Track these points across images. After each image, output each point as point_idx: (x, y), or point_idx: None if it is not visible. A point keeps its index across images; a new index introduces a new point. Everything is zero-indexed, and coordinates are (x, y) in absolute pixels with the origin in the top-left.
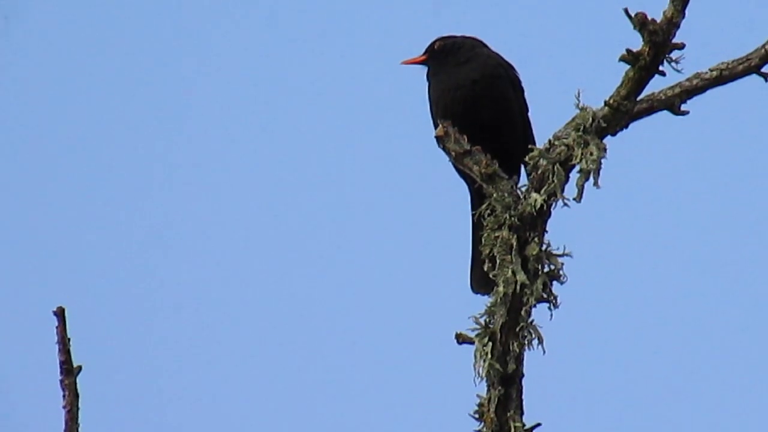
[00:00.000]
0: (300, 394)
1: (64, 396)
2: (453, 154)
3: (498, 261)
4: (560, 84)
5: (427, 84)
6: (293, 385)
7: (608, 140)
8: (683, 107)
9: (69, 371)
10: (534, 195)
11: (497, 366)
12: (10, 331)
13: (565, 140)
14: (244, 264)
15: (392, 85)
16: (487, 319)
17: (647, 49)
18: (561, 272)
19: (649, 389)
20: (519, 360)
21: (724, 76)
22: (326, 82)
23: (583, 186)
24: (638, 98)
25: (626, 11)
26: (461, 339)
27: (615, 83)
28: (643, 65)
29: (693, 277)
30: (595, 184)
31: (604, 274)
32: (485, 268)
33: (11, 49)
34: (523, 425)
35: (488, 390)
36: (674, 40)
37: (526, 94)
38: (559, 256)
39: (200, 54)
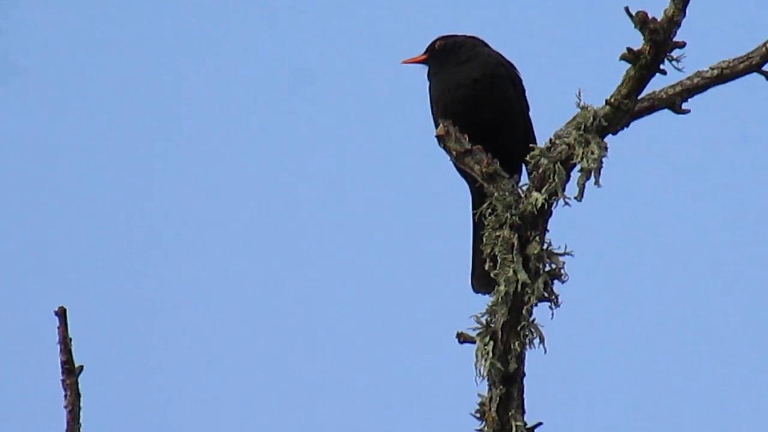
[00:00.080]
0: (301, 394)
1: (65, 396)
2: (454, 153)
3: (499, 260)
4: (561, 83)
5: (428, 83)
6: (294, 384)
7: (609, 139)
8: (684, 106)
9: (70, 371)
10: (535, 194)
11: (498, 365)
12: (11, 331)
13: (566, 139)
14: (245, 263)
15: (393, 84)
16: (489, 318)
17: (648, 48)
18: (562, 271)
19: (650, 388)
20: (520, 359)
21: (725, 75)
22: (327, 82)
23: (584, 185)
24: (639, 97)
25: (627, 10)
26: (462, 338)
27: (616, 82)
28: (644, 64)
29: (694, 275)
30: (596, 183)
31: (606, 273)
32: (486, 268)
33: (10, 48)
34: (525, 424)
35: (489, 389)
36: (675, 39)
37: (527, 93)
38: (561, 255)
39: (200, 54)
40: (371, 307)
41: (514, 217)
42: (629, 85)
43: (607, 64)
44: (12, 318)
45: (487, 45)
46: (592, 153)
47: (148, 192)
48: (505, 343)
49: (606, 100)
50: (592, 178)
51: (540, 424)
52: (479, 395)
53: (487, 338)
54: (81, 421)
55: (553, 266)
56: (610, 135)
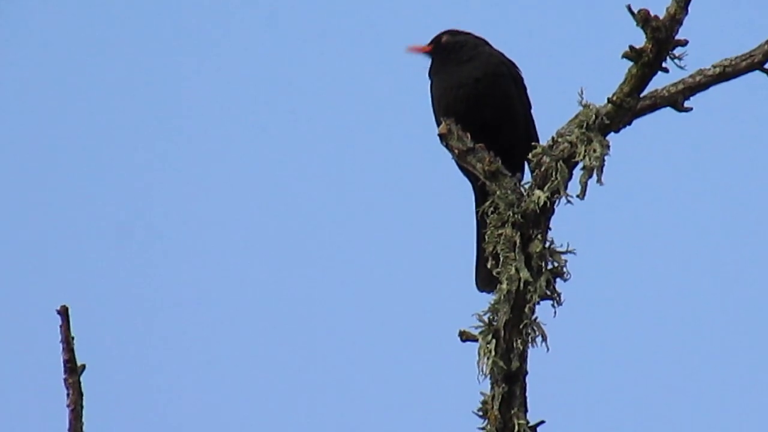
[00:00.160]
0: (304, 392)
1: (68, 395)
2: (456, 151)
3: (501, 258)
4: (563, 81)
5: (429, 82)
6: (297, 382)
7: (611, 137)
8: (686, 104)
9: (73, 370)
10: (537, 192)
11: (501, 363)
12: (13, 330)
13: (568, 137)
14: (247, 262)
15: (393, 84)
16: (491, 317)
17: (650, 46)
18: (564, 269)
19: (653, 386)
20: (523, 357)
21: (727, 73)
22: (327, 82)
23: (586, 183)
24: (641, 95)
25: (629, 8)
26: (465, 336)
27: (618, 80)
28: (646, 62)
29: (696, 273)
30: (599, 181)
31: (608, 271)
32: (489, 266)
33: (10, 48)
34: (527, 422)
35: (492, 387)
36: (677, 37)
37: (528, 91)
38: (563, 253)
39: (200, 54)
40: (374, 305)
41: (516, 216)
42: (631, 83)
43: (610, 62)
44: (14, 317)
45: (488, 44)
46: (595, 151)
47: (149, 191)
48: (508, 342)
49: (608, 98)
50: (595, 176)
51: (542, 422)
52: (482, 393)
53: (490, 336)
54: (83, 419)
55: (556, 264)
56: (612, 133)
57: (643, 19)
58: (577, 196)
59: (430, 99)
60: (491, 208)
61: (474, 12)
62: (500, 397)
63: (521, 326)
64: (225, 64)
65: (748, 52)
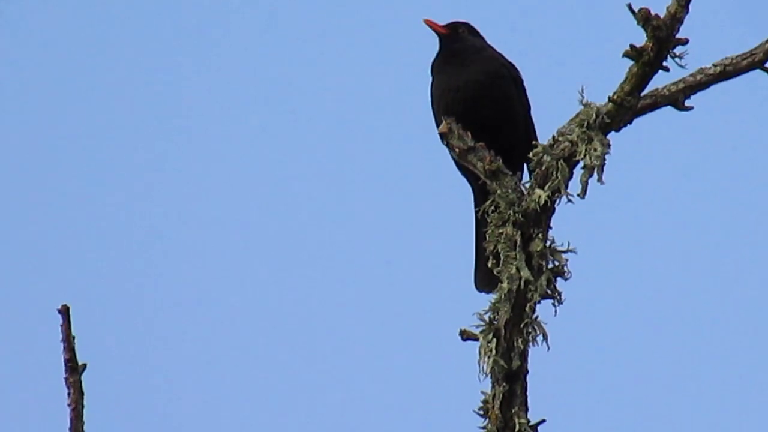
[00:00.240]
0: (305, 391)
1: (69, 394)
2: (457, 150)
3: (502, 257)
4: (564, 80)
5: (430, 79)
6: (298, 381)
7: (612, 136)
8: (687, 103)
9: (74, 369)
10: (538, 191)
11: (502, 362)
12: (15, 329)
13: (569, 136)
14: (247, 262)
15: (393, 83)
16: (492, 316)
17: (651, 45)
18: (565, 268)
19: (653, 385)
20: (523, 356)
21: (728, 72)
22: (327, 81)
23: (587, 182)
24: (642, 94)
25: (630, 7)
26: (466, 336)
27: (619, 79)
28: (647, 61)
29: (697, 272)
30: (599, 180)
31: (609, 270)
32: (489, 265)
33: (10, 48)
34: (528, 421)
35: (493, 386)
36: (678, 36)
37: (528, 92)
38: (563, 252)
39: (200, 54)
40: (375, 305)
41: (517, 215)
42: (632, 82)
43: (610, 61)
44: (15, 316)
45: (493, 48)
46: (595, 150)
47: (149, 191)
48: (509, 341)
49: (609, 97)
50: (595, 175)
51: (543, 421)
52: (482, 392)
53: (491, 335)
54: (84, 418)
55: (556, 263)
56: (613, 132)
57: (644, 18)
58: (578, 195)
59: (429, 98)
60: (492, 207)
61: (474, 11)
62: (501, 396)
63: (522, 325)
64: (225, 64)
65: (749, 51)
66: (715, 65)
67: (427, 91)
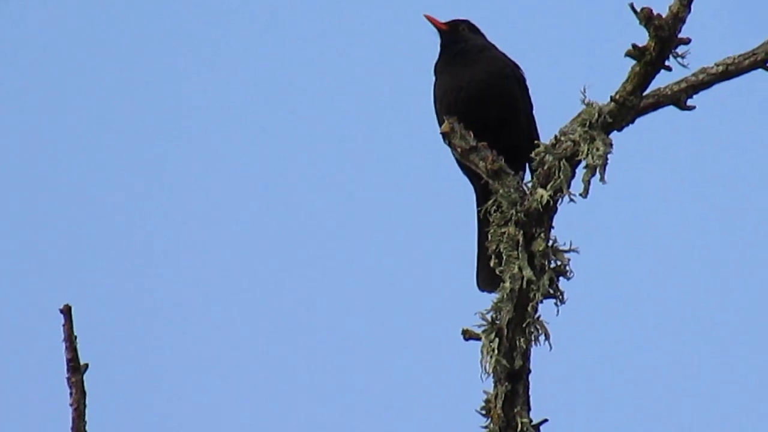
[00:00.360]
0: (308, 390)
1: (71, 394)
2: (459, 149)
3: (504, 257)
4: (566, 79)
5: (433, 79)
6: (300, 380)
7: (614, 135)
8: (689, 102)
9: (76, 369)
10: (540, 191)
11: (504, 362)
12: (17, 329)
13: (571, 136)
14: (248, 261)
15: (393, 83)
16: (494, 315)
17: (653, 44)
18: (567, 268)
19: (655, 385)
20: (526, 356)
21: (730, 71)
22: (327, 82)
23: (589, 181)
24: (644, 93)
25: (632, 6)
26: (468, 335)
27: (621, 79)
28: (649, 60)
29: (699, 272)
30: (602, 179)
31: (611, 269)
32: (492, 264)
33: (10, 48)
34: (530, 421)
35: (495, 386)
36: (680, 35)
37: (530, 91)
38: (566, 251)
39: (200, 54)
40: (377, 305)
41: (519, 214)
42: (634, 82)
43: (612, 60)
44: (17, 316)
45: (496, 47)
46: (597, 149)
47: (150, 191)
48: (511, 340)
49: (611, 97)
50: (597, 175)
51: (545, 420)
52: (485, 392)
53: (493, 335)
54: (86, 418)
55: (559, 263)
56: (615, 131)
57: (646, 18)
58: (580, 194)
59: (432, 98)
60: (494, 207)
61: (475, 11)
62: (503, 395)
63: (524, 325)
64: (225, 64)
65: (751, 51)
66: (717, 65)
67: (429, 90)
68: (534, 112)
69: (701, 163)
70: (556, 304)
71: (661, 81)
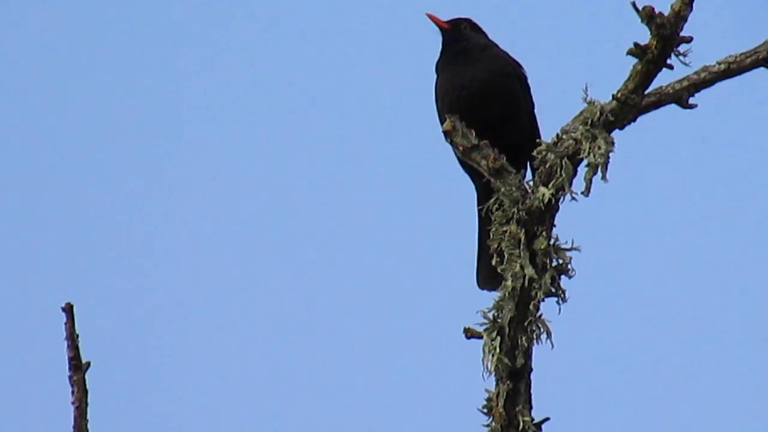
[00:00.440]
0: (309, 389)
1: (72, 392)
2: (460, 148)
3: (506, 255)
4: (568, 78)
5: (435, 78)
6: (302, 379)
7: (616, 134)
8: (691, 100)
9: (78, 367)
10: (542, 189)
11: (506, 360)
12: (19, 328)
13: (573, 134)
14: (249, 261)
15: (393, 83)
16: (496, 314)
17: (655, 43)
18: (569, 266)
19: (657, 383)
20: (527, 354)
21: (732, 69)
22: (327, 82)
23: (591, 180)
24: (646, 92)
25: (634, 5)
26: (469, 334)
27: (623, 77)
28: (651, 58)
29: (701, 270)
30: (603, 177)
31: (613, 268)
32: (493, 263)
33: (10, 48)
34: (532, 419)
35: (497, 384)
36: (682, 34)
37: (531, 90)
38: (567, 250)
39: (200, 54)
40: (378, 303)
41: (521, 213)
42: (636, 80)
43: (614, 59)
44: (19, 314)
45: (497, 47)
46: (599, 148)
47: (151, 190)
48: (512, 339)
49: (613, 95)
50: (599, 173)
51: (547, 419)
52: (486, 390)
53: (494, 333)
54: (88, 416)
55: (560, 261)
56: (616, 130)
57: (648, 16)
58: (582, 192)
59: (433, 96)
60: (496, 205)
61: (477, 9)
62: (505, 394)
63: (526, 323)
64: (225, 64)
65: (753, 49)
66: (719, 63)
67: (430, 88)
68: (536, 110)
69: (703, 161)
70: (557, 302)
71: (663, 79)
